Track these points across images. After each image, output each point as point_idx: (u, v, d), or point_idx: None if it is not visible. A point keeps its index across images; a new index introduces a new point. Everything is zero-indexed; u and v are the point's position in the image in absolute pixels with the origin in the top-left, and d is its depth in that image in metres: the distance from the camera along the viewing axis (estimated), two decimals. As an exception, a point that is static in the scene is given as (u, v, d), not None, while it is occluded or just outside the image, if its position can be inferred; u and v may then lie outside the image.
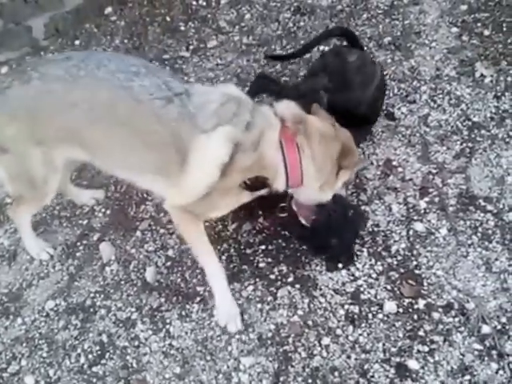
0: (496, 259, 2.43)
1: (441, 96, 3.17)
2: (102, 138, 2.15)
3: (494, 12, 3.52)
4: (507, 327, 2.23)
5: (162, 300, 2.44)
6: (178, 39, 3.73)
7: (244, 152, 2.09)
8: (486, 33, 3.47)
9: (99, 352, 2.36)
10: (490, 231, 2.53)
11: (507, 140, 2.89)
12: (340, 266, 2.46)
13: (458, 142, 2.92)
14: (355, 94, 2.69)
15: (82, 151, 2.21)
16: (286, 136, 2.17)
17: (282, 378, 2.19)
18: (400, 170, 2.82)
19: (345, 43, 3.04)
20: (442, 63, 3.35)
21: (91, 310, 2.47)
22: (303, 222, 2.38)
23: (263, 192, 2.24)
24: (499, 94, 3.12)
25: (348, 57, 2.74)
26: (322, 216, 2.35)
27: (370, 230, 2.58)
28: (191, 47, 3.67)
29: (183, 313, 2.39)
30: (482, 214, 2.59)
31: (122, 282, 2.54)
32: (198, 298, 2.42)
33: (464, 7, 3.58)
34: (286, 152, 2.16)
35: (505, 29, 3.48)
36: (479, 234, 2.52)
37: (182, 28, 3.80)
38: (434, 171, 2.81)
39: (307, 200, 2.35)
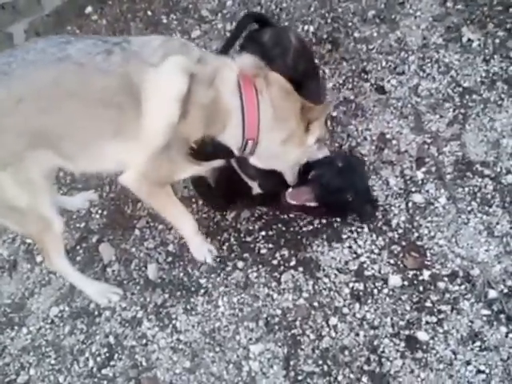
0: (497, 223, 2.39)
1: (429, 65, 3.10)
2: (60, 121, 1.96)
3: (477, -26, 3.46)
4: (514, 290, 2.21)
5: (166, 296, 2.41)
6: (161, 32, 3.64)
7: (200, 85, 1.96)
8: (471, -4, 3.41)
9: (107, 354, 2.33)
10: (489, 196, 2.48)
11: (499, 103, 2.83)
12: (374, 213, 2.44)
13: (451, 110, 2.86)
14: (278, 65, 2.54)
15: (47, 151, 2.01)
16: (244, 77, 2.04)
17: (292, 362, 2.17)
18: (394, 142, 2.77)
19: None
20: (428, 32, 3.28)
21: (96, 312, 2.44)
22: (311, 204, 2.30)
23: (215, 163, 2.16)
24: (488, 57, 3.05)
25: (262, 37, 2.68)
26: (323, 185, 2.23)
27: (369, 205, 2.55)
28: (175, 39, 3.62)
29: (188, 307, 2.36)
30: (479, 180, 2.54)
31: (125, 282, 2.50)
32: (202, 291, 2.39)
33: (446, -28, 3.52)
34: (244, 92, 2.01)
35: (489, -10, 3.41)
36: (478, 200, 2.47)
37: (165, 21, 3.72)
38: (429, 141, 2.75)
39: (268, 161, 2.19)
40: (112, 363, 2.30)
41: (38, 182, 2.07)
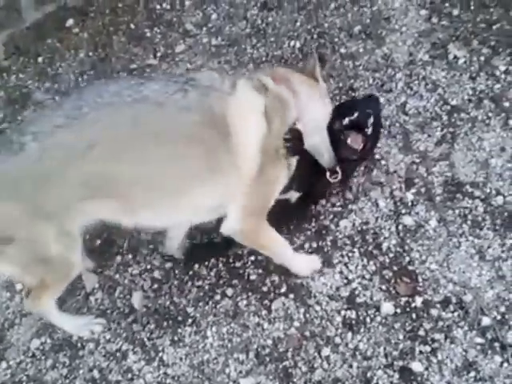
0: (489, 247, 2.32)
1: (416, 82, 3.04)
2: (138, 165, 1.84)
3: (460, -10, 3.41)
4: (507, 317, 2.13)
5: (152, 326, 2.29)
6: (145, 47, 3.53)
7: (266, 96, 2.06)
8: (455, 12, 3.34)
9: (92, 389, 2.21)
10: (479, 218, 2.42)
11: (487, 122, 2.77)
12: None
13: (439, 128, 2.80)
14: None
15: (109, 203, 1.88)
16: (274, 77, 2.16)
17: (284, 396, 2.08)
18: (383, 162, 2.69)
19: None
20: (414, 48, 3.22)
21: (79, 345, 2.31)
22: (355, 146, 2.27)
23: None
24: (474, 74, 3.00)
25: None
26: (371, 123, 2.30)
27: (359, 228, 2.45)
28: (159, 54, 3.48)
29: (175, 338, 2.25)
30: (470, 201, 2.48)
31: (108, 311, 2.37)
32: (190, 320, 2.28)
33: (431, -13, 3.47)
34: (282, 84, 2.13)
35: (472, 7, 3.35)
36: (469, 222, 2.41)
37: (148, 34, 3.60)
38: (418, 160, 2.68)
39: (315, 116, 2.24)
40: (97, 399, 2.18)
41: (77, 233, 1.95)
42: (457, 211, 2.45)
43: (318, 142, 2.22)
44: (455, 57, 3.10)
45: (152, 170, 1.88)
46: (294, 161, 2.17)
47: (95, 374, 2.22)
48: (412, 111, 2.90)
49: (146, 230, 2.43)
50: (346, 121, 2.27)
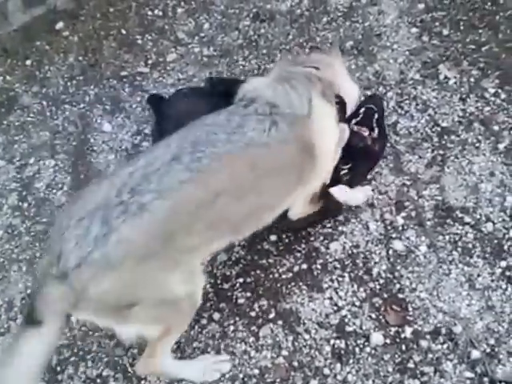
0: (478, 275, 2.20)
1: (407, 101, 2.91)
2: (255, 201, 1.87)
3: (450, 10, 3.26)
4: (496, 349, 2.01)
5: (135, 351, 2.09)
6: (136, 54, 3.34)
7: (327, 94, 2.12)
8: (445, 32, 3.22)
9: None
10: (469, 245, 2.30)
11: (477, 145, 2.66)
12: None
13: (429, 150, 2.68)
14: None
15: (228, 237, 1.93)
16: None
17: (270, 430, 1.93)
18: (374, 183, 2.56)
19: None
20: (405, 66, 3.09)
21: (58, 368, 2.10)
22: (362, 133, 2.41)
23: None
24: (464, 96, 2.88)
25: None
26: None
27: (350, 252, 2.31)
28: (150, 62, 3.29)
29: None
30: (460, 227, 2.36)
31: (90, 333, 2.18)
32: (175, 346, 2.06)
33: (421, 6, 3.31)
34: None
35: (462, 27, 3.23)
36: (459, 249, 2.29)
37: (139, 41, 3.40)
38: (408, 183, 2.55)
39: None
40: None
41: (200, 269, 1.91)
42: (447, 237, 2.33)
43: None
44: (446, 77, 2.99)
45: (264, 201, 1.93)
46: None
47: (74, 400, 2.04)
48: (403, 131, 2.78)
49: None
50: (353, 122, 2.43)
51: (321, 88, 2.08)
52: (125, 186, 1.61)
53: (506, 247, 2.26)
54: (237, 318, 2.15)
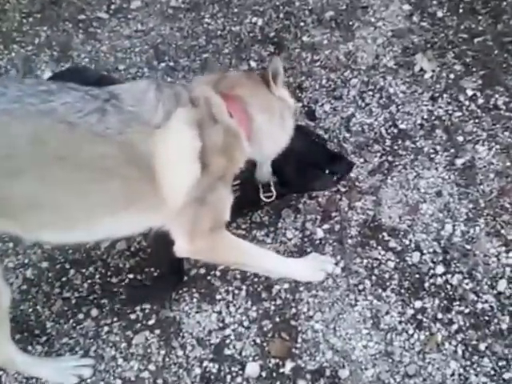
0: (387, 313, 1.75)
1: (371, 93, 2.33)
2: (38, 189, 1.36)
3: (453, -11, 2.56)
4: (380, 405, 1.62)
5: None
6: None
7: (208, 128, 1.49)
8: (440, 14, 2.55)
9: None
10: (386, 275, 1.83)
11: (432, 156, 2.10)
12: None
13: (378, 154, 2.14)
14: None
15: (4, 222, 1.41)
16: (224, 94, 1.57)
17: None
18: (307, 185, 2.07)
19: None
20: (383, 49, 2.47)
21: None
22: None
23: None
24: (436, 94, 2.28)
25: None
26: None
27: (256, 261, 1.89)
28: (113, 7, 2.73)
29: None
30: (382, 252, 1.88)
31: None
32: (44, 338, 1.76)
33: (421, -20, 2.61)
34: (231, 108, 1.56)
35: (461, 10, 2.55)
36: (374, 278, 1.82)
37: (106, -20, 2.81)
38: (343, 189, 2.05)
39: (276, 145, 1.72)
40: None
41: None
42: (365, 261, 1.86)
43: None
44: (422, 69, 2.37)
45: (54, 196, 1.39)
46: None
47: None
48: (356, 128, 2.23)
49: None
50: None
51: (198, 115, 1.48)
52: None
53: (426, 285, 1.79)
54: (115, 319, 1.79)
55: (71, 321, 1.79)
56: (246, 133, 1.58)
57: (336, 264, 1.85)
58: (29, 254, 1.94)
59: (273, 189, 1.86)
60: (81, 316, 1.79)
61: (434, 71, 2.36)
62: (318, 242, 1.91)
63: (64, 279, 1.88)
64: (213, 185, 1.51)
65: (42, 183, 1.35)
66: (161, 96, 1.46)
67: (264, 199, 1.87)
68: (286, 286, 1.81)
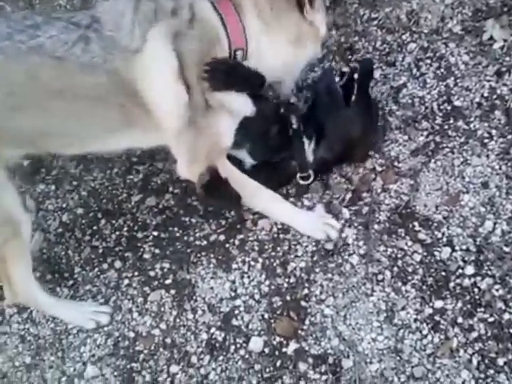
0: (403, 308, 1.58)
1: (428, 61, 2.00)
2: (43, 121, 1.43)
3: None
4: (377, 404, 1.51)
5: (38, 275, 1.78)
6: None
7: (186, 39, 1.45)
8: (525, -29, 2.08)
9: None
10: (410, 268, 1.64)
11: (485, 141, 1.80)
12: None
13: (425, 133, 1.87)
14: None
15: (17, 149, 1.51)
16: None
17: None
18: (338, 160, 1.86)
19: None
20: (451, 10, 2.09)
21: None
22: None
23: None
24: (504, 69, 1.92)
25: None
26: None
27: (275, 235, 1.75)
28: None
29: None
30: (409, 243, 1.67)
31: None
32: (71, 282, 1.79)
33: None
34: (220, 8, 1.50)
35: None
36: (396, 270, 1.65)
37: None
38: (380, 169, 1.83)
39: (281, 65, 1.63)
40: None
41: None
42: (389, 250, 1.68)
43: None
44: (491, 38, 1.98)
45: (60, 125, 1.47)
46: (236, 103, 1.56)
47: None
48: (405, 100, 1.95)
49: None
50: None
51: (174, 27, 1.41)
52: None
53: (451, 285, 1.59)
54: (135, 273, 1.77)
55: (96, 269, 1.80)
56: (234, 39, 1.50)
57: (343, 233, 1.69)
58: (67, 198, 1.96)
59: (311, 172, 1.76)
60: (105, 266, 1.80)
61: (505, 41, 1.96)
62: (342, 222, 1.74)
63: (95, 228, 1.88)
64: (201, 105, 1.46)
65: (46, 115, 1.41)
66: (136, 17, 1.41)
67: (300, 181, 1.77)
68: (303, 264, 1.69)
